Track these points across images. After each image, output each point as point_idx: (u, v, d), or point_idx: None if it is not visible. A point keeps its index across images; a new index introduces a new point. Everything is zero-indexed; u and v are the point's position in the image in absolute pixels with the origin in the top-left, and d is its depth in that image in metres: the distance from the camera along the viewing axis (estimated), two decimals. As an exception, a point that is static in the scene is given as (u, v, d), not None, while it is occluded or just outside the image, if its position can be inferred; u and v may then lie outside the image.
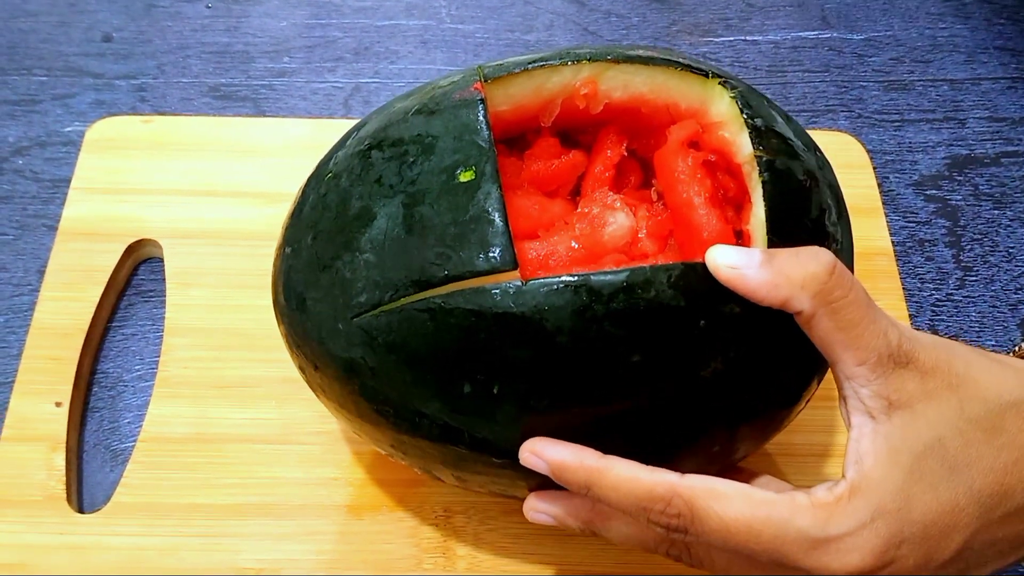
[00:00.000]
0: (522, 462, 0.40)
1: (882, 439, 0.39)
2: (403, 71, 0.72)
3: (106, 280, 0.59)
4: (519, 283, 0.39)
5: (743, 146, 0.43)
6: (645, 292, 0.38)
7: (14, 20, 0.74)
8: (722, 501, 0.38)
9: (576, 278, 0.38)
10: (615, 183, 0.47)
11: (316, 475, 0.53)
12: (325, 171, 0.45)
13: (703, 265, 0.39)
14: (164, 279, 0.60)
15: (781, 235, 0.41)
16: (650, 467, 0.39)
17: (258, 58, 0.72)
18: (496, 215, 0.39)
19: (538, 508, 0.43)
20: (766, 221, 0.41)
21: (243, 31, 0.74)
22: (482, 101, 0.42)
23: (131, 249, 0.61)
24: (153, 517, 0.52)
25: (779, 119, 0.44)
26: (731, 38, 0.75)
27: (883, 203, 0.64)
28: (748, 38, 0.75)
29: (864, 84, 0.73)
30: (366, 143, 0.44)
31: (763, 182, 0.41)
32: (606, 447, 0.40)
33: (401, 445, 0.44)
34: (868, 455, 0.39)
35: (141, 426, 0.55)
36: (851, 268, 0.45)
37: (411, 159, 0.42)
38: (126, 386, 0.57)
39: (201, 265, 0.60)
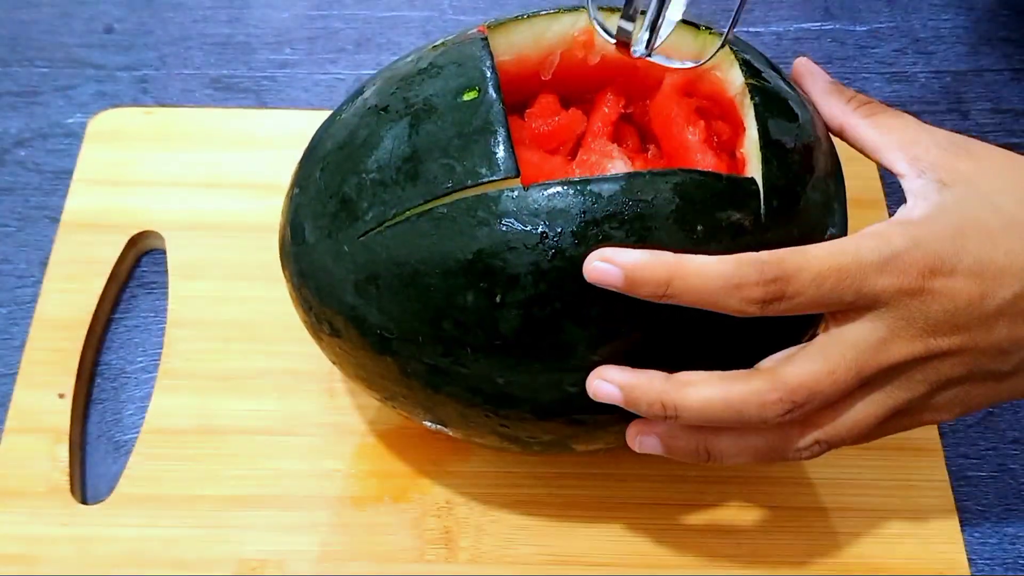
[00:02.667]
0: (588, 273, 0.39)
1: (933, 204, 0.41)
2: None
3: (109, 272, 0.59)
4: (521, 188, 0.40)
5: (735, 80, 0.45)
6: (644, 195, 0.40)
7: (16, 11, 0.73)
8: (807, 253, 0.39)
9: (576, 182, 0.40)
10: (613, 141, 0.48)
11: (319, 467, 0.53)
12: (334, 116, 0.48)
13: (700, 172, 0.41)
14: (167, 271, 0.60)
15: (774, 151, 0.42)
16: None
17: (260, 49, 0.72)
18: (499, 126, 0.41)
19: (607, 376, 0.41)
20: (759, 138, 0.42)
21: (245, 22, 0.74)
22: (485, 40, 0.44)
23: (133, 241, 0.61)
24: (156, 508, 0.52)
25: (767, 64, 0.47)
26: (734, 29, 0.75)
27: (885, 195, 0.64)
28: (751, 29, 0.75)
29: (867, 76, 0.73)
30: (373, 86, 0.46)
31: (754, 104, 0.43)
32: (609, 355, 0.41)
33: (404, 378, 0.44)
34: (917, 209, 0.41)
35: (144, 418, 0.55)
36: (845, 212, 0.47)
37: (416, 89, 0.44)
38: (129, 378, 0.58)
39: (203, 257, 0.60)
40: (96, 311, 0.58)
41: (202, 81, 0.70)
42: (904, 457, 0.54)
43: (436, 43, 0.47)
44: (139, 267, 0.61)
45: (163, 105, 0.68)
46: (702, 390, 0.40)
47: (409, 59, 0.47)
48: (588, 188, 0.40)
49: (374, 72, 0.71)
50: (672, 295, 0.39)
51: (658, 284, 0.39)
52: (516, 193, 0.40)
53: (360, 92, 0.47)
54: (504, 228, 0.40)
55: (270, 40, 0.73)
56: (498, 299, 0.40)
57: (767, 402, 0.39)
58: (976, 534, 0.53)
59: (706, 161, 0.44)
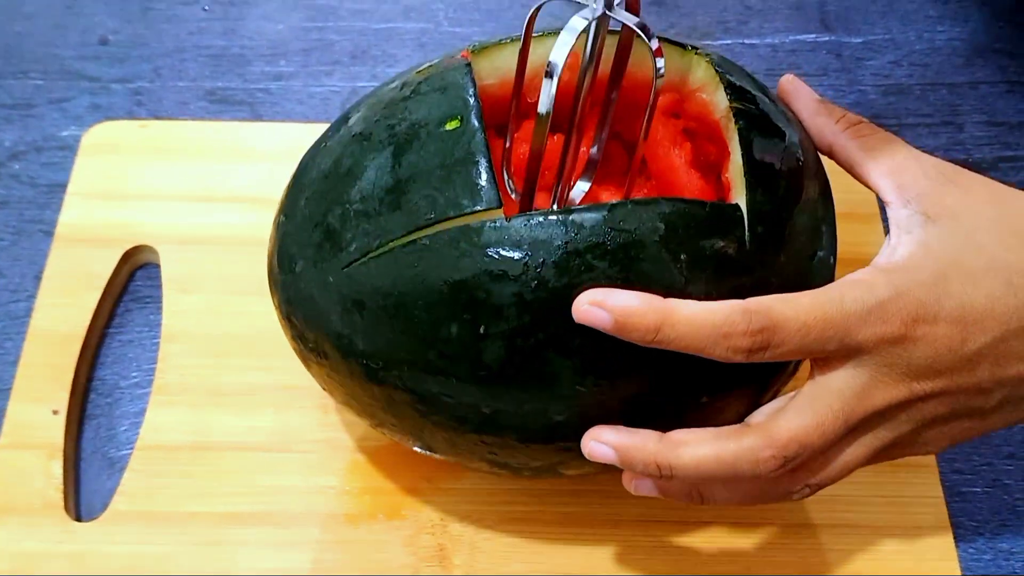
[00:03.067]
0: (577, 316, 0.39)
1: (917, 242, 0.42)
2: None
3: (103, 286, 0.59)
4: (503, 219, 0.40)
5: (720, 103, 0.45)
6: (627, 225, 0.40)
7: (10, 23, 0.73)
8: (793, 302, 0.39)
9: (558, 212, 0.40)
10: (601, 166, 0.48)
11: (313, 483, 0.53)
12: (320, 143, 0.48)
13: (683, 201, 0.41)
14: (161, 285, 0.60)
15: (757, 176, 0.42)
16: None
17: (254, 61, 0.72)
18: (480, 157, 0.41)
19: (601, 438, 0.41)
20: (743, 164, 0.42)
21: (240, 34, 0.74)
22: (468, 66, 0.44)
23: (128, 255, 0.61)
24: (150, 525, 0.52)
25: (753, 84, 0.46)
26: (729, 41, 0.75)
27: (880, 208, 0.64)
28: (746, 41, 0.75)
29: (862, 88, 0.73)
30: (357, 112, 0.46)
31: (738, 129, 0.43)
32: (594, 387, 0.41)
33: (391, 406, 0.44)
34: (902, 247, 0.42)
35: (138, 433, 0.55)
36: (834, 233, 0.46)
37: (399, 117, 0.44)
38: (123, 393, 0.57)
39: (198, 271, 0.60)
40: (90, 326, 0.58)
41: (197, 93, 0.70)
42: (898, 474, 0.54)
43: (420, 68, 0.47)
44: (133, 281, 0.61)
45: (158, 118, 0.68)
46: (695, 450, 0.40)
47: (393, 85, 0.47)
48: (570, 219, 0.40)
49: (368, 85, 0.72)
50: (660, 341, 0.39)
51: (647, 330, 0.39)
52: (498, 224, 0.40)
53: (346, 118, 0.47)
54: (487, 259, 0.40)
55: (265, 52, 0.73)
56: (482, 330, 0.40)
57: (760, 459, 0.40)
58: (971, 550, 0.53)
59: (692, 184, 0.44)
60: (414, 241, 0.41)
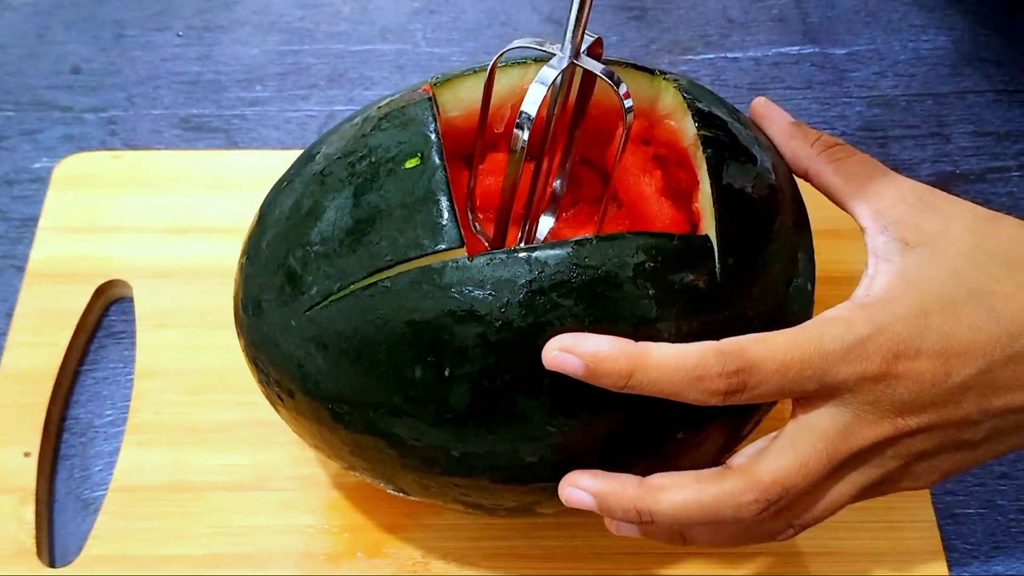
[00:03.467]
0: (547, 362, 0.38)
1: (896, 271, 0.40)
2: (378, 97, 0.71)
3: (76, 323, 0.58)
4: (465, 259, 0.39)
5: (688, 130, 0.43)
6: (592, 262, 0.39)
7: (-19, 53, 0.72)
8: (769, 342, 0.38)
9: (522, 251, 0.39)
10: (572, 192, 0.47)
11: (292, 522, 0.52)
12: (281, 182, 0.46)
13: (650, 234, 0.40)
14: (135, 320, 0.59)
15: (728, 206, 0.41)
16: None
17: (230, 87, 0.71)
18: (441, 195, 0.40)
19: (579, 484, 0.40)
20: (712, 193, 0.41)
21: (214, 60, 0.73)
22: (430, 100, 0.43)
23: (101, 290, 0.60)
24: (126, 569, 0.51)
25: (723, 109, 0.45)
26: (711, 55, 0.74)
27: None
28: (729, 55, 0.74)
29: (847, 100, 0.72)
30: (318, 149, 0.45)
31: (707, 157, 0.42)
32: (564, 427, 0.40)
33: (360, 450, 0.43)
34: (880, 277, 0.41)
35: (112, 474, 0.54)
36: (811, 259, 0.45)
37: (360, 155, 0.43)
38: (97, 432, 0.56)
39: (172, 305, 0.59)
40: (63, 363, 0.57)
41: (171, 121, 0.69)
42: (889, 497, 0.52)
43: (382, 102, 0.46)
44: (107, 316, 0.60)
45: (132, 147, 0.67)
46: (675, 495, 0.39)
47: (355, 121, 0.46)
48: (534, 256, 0.39)
49: (345, 108, 0.71)
50: (633, 387, 0.38)
51: (619, 376, 0.38)
52: (460, 263, 0.39)
53: (307, 156, 0.46)
54: (449, 300, 0.39)
55: (240, 77, 0.72)
56: (447, 372, 0.39)
57: (742, 503, 0.39)
58: (964, 573, 0.52)
59: (663, 212, 0.43)
60: (375, 283, 0.40)
